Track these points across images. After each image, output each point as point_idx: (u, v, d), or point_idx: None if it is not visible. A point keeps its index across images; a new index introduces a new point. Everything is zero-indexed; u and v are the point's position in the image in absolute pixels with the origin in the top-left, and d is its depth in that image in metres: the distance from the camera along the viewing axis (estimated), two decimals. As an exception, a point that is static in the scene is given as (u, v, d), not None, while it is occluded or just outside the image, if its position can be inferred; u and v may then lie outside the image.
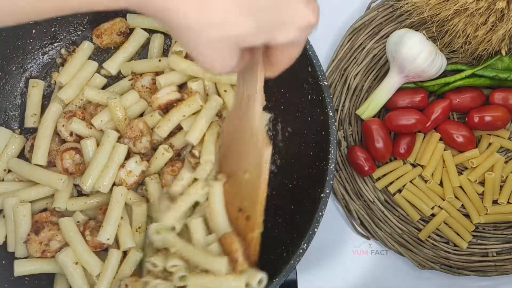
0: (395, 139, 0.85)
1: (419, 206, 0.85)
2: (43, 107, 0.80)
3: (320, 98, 0.70)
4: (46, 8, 0.39)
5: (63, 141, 0.77)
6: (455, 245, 0.85)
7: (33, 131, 0.80)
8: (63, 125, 0.76)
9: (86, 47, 0.82)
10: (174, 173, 0.75)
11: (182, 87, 0.80)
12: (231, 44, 0.42)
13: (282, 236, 0.75)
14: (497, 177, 0.84)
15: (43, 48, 0.82)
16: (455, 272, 0.83)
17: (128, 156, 0.75)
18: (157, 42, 0.83)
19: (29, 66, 0.82)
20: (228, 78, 0.77)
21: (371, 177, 0.86)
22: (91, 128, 0.76)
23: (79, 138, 0.77)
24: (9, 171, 0.78)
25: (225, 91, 0.77)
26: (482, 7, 0.75)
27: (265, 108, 0.83)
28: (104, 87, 0.82)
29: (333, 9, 0.92)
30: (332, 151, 0.68)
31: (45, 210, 0.76)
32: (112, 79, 0.83)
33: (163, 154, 0.75)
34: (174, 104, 0.77)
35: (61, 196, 0.75)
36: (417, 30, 0.82)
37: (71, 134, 0.76)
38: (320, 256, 0.86)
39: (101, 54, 0.84)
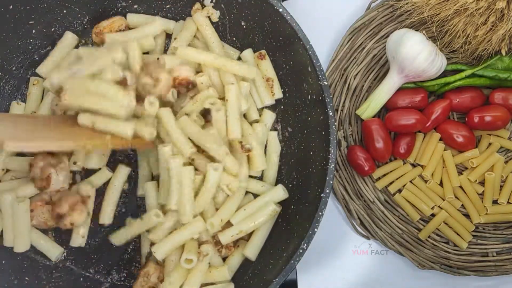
0: (395, 139, 0.85)
1: (419, 206, 0.85)
2: (43, 107, 0.80)
3: (320, 98, 0.70)
4: None
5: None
6: (455, 245, 0.85)
7: (33, 131, 0.80)
8: (56, 104, 0.75)
9: (70, 37, 0.82)
10: None
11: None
12: None
13: (282, 236, 0.75)
14: (497, 177, 0.84)
15: (44, 48, 0.82)
16: (455, 272, 0.83)
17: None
18: (159, 41, 0.83)
19: (29, 66, 0.82)
20: (232, 69, 0.77)
21: (371, 177, 0.86)
22: None
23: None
24: (7, 170, 0.78)
25: (232, 83, 0.76)
26: (482, 7, 0.75)
27: (267, 108, 0.83)
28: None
29: (333, 9, 0.92)
30: (332, 151, 0.68)
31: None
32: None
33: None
34: (185, 90, 0.75)
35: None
36: (417, 30, 0.82)
37: (64, 113, 0.75)
38: (320, 256, 0.86)
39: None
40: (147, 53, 0.83)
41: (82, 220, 0.74)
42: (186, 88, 0.76)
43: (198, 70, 0.79)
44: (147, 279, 0.74)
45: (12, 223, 0.74)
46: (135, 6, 0.83)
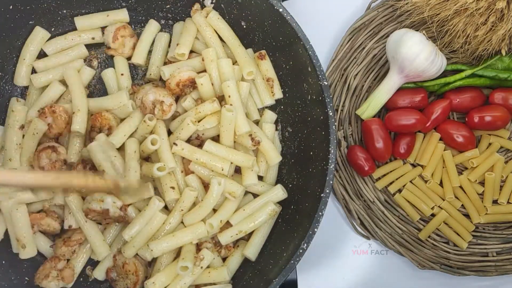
0: (395, 139, 0.85)
1: (419, 206, 0.85)
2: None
3: (320, 98, 0.70)
4: None
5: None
6: (455, 245, 0.85)
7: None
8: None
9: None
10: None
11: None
12: None
13: (282, 236, 0.75)
14: (497, 177, 0.84)
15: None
16: (455, 272, 0.83)
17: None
18: (163, 41, 0.83)
19: (29, 66, 0.82)
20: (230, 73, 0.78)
21: (371, 177, 0.86)
22: None
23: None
24: None
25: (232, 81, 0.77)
26: (482, 7, 0.75)
27: (267, 108, 0.83)
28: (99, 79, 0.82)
29: (333, 9, 0.92)
30: (332, 151, 0.68)
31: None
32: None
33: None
34: (191, 90, 0.77)
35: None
36: (417, 30, 0.82)
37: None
38: (320, 256, 0.86)
39: (99, 47, 0.84)
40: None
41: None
42: (191, 87, 0.77)
43: (199, 71, 0.80)
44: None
45: (13, 230, 0.74)
46: (136, 6, 0.83)
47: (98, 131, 0.76)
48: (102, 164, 0.74)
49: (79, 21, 0.81)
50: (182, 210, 0.74)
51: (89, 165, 0.76)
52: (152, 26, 0.83)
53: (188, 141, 0.78)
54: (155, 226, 0.74)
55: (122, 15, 0.82)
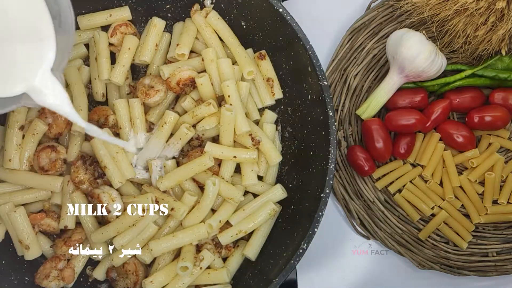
0: (395, 139, 0.85)
1: (419, 206, 0.85)
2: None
3: (320, 98, 0.70)
4: None
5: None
6: (455, 245, 0.85)
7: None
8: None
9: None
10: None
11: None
12: None
13: (282, 236, 0.75)
14: (497, 177, 0.84)
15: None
16: (455, 272, 0.83)
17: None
18: (163, 41, 0.82)
19: (29, 66, 0.82)
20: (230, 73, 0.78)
21: (371, 177, 0.86)
22: None
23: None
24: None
25: (227, 86, 0.77)
26: (482, 7, 0.75)
27: (267, 108, 0.83)
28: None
29: (333, 9, 0.92)
30: (332, 151, 0.68)
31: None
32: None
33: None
34: (191, 89, 0.77)
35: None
36: (417, 30, 0.82)
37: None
38: (320, 256, 0.86)
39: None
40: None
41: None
42: (191, 86, 0.77)
43: (199, 71, 0.80)
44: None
45: (15, 233, 0.74)
46: (136, 6, 0.83)
47: (96, 124, 0.76)
48: (104, 160, 0.74)
49: (82, 20, 0.81)
50: (181, 214, 0.74)
51: (88, 160, 0.76)
52: (159, 24, 0.81)
53: (189, 142, 0.78)
54: (146, 236, 0.74)
55: (124, 13, 0.81)
